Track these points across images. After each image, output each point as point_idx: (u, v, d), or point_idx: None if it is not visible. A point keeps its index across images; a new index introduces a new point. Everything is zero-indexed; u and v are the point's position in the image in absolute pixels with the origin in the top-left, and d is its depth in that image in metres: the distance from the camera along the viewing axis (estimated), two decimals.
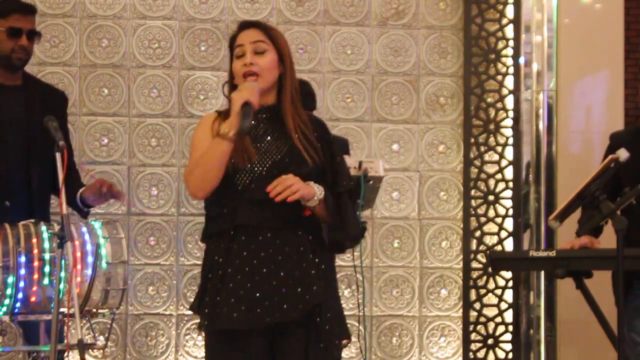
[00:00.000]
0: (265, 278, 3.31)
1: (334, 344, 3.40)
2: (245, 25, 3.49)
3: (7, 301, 3.99)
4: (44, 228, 4.08)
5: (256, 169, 3.35)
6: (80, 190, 4.52)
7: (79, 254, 4.06)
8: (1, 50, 4.54)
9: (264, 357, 3.34)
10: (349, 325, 6.00)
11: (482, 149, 6.13)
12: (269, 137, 3.42)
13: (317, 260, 3.40)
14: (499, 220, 6.13)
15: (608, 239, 4.25)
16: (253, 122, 3.31)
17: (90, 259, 4.10)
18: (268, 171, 3.35)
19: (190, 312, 5.78)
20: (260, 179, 3.33)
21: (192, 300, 5.75)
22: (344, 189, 3.43)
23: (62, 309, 3.92)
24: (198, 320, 3.44)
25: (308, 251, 3.39)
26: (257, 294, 3.29)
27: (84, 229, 4.16)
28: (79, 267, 4.06)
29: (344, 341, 3.51)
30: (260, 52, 3.40)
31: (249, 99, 3.28)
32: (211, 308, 3.32)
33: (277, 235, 3.35)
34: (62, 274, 3.87)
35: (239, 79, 3.40)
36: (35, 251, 4.03)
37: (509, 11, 6.19)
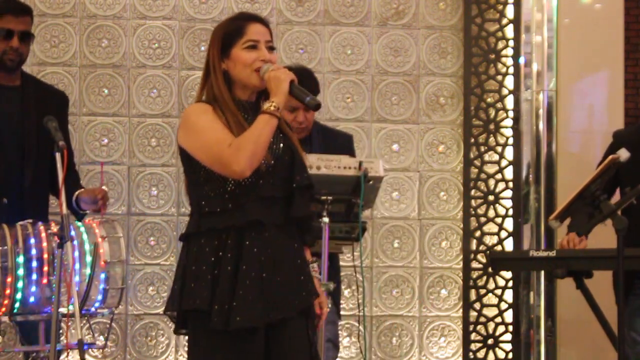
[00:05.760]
0: (271, 275, 3.33)
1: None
2: (254, 19, 3.49)
3: (6, 301, 3.99)
4: (42, 228, 4.08)
5: (264, 165, 3.36)
6: (77, 192, 4.51)
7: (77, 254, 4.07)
8: None
9: (263, 351, 3.35)
10: (348, 325, 6.02)
11: (482, 149, 6.13)
12: None
13: (304, 254, 3.48)
14: (499, 220, 6.12)
15: (608, 239, 4.25)
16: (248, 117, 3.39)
17: (88, 259, 4.10)
18: (273, 167, 3.37)
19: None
20: (267, 175, 3.35)
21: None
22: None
23: (61, 309, 3.93)
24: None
25: (300, 246, 3.45)
26: (265, 290, 3.31)
27: (82, 229, 4.16)
28: (77, 266, 4.06)
29: None
30: (270, 50, 3.46)
31: (293, 77, 3.37)
32: (224, 306, 3.27)
33: (280, 231, 3.38)
34: (61, 274, 3.87)
35: (246, 68, 3.41)
36: (34, 251, 4.03)
37: (509, 11, 6.18)
